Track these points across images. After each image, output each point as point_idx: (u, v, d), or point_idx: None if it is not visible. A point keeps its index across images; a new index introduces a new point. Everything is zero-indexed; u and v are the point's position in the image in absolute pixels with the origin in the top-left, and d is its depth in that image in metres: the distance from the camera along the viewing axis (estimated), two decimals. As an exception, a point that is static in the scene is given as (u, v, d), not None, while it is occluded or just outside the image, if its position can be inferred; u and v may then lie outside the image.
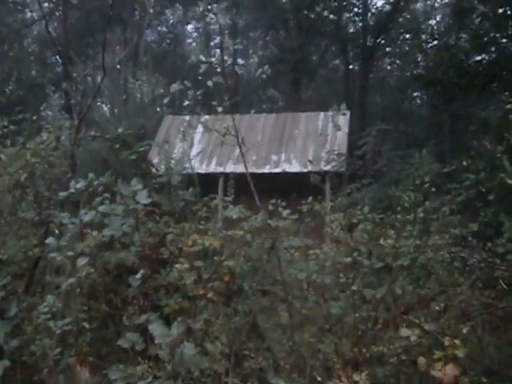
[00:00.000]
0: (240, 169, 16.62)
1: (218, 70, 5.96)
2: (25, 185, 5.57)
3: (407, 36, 31.70)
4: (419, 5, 33.17)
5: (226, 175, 17.57)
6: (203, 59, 5.63)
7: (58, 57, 29.23)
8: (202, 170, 18.61)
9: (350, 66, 33.68)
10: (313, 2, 28.40)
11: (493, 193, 6.85)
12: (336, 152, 18.00)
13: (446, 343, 4.54)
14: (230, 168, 18.33)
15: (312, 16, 29.83)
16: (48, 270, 5.43)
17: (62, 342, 4.36)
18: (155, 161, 10.52)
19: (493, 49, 16.88)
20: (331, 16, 31.54)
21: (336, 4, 30.53)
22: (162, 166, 6.42)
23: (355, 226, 7.48)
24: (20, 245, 5.31)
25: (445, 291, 5.77)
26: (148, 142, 7.09)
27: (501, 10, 18.58)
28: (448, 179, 10.18)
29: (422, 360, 4.50)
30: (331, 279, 5.91)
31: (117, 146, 6.29)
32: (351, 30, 33.49)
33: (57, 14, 30.87)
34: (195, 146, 18.94)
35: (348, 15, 33.17)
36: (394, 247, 5.36)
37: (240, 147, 5.47)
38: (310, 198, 7.35)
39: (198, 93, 5.55)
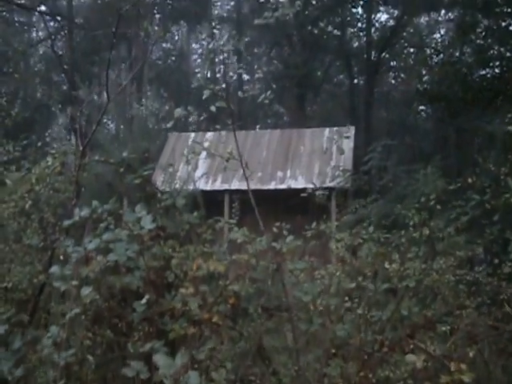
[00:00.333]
0: (245, 186, 16.59)
1: (220, 84, 6.00)
2: (30, 212, 5.60)
3: (411, 50, 31.80)
4: (423, 19, 33.31)
5: (231, 192, 17.61)
6: (205, 83, 5.63)
7: (63, 75, 29.45)
8: (208, 187, 18.64)
9: (355, 81, 33.77)
10: (316, 18, 28.54)
11: (498, 212, 6.84)
12: (341, 168, 17.99)
13: (453, 368, 4.51)
14: (235, 185, 18.34)
15: (316, 31, 30.02)
16: (53, 296, 5.44)
17: (66, 371, 4.36)
18: (161, 179, 10.58)
19: (497, 63, 16.92)
20: (335, 31, 31.71)
21: (340, 19, 30.66)
22: (167, 189, 6.42)
23: (360, 246, 7.48)
24: (25, 271, 5.33)
25: (451, 313, 5.74)
26: (152, 166, 7.11)
27: (504, 24, 18.68)
28: (454, 196, 10.18)
29: (428, 385, 4.48)
30: (337, 301, 5.90)
31: (121, 169, 6.32)
32: (355, 45, 33.64)
33: (62, 33, 31.11)
34: (200, 165, 18.96)
35: (352, 30, 33.32)
36: (398, 271, 5.34)
37: (244, 171, 5.48)
38: (315, 224, 7.33)
39: (202, 118, 5.57)
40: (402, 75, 34.50)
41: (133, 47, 28.26)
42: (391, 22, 31.41)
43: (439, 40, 28.52)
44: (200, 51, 40.77)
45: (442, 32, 31.34)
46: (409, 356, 4.55)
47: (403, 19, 29.36)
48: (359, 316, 5.47)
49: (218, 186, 19.07)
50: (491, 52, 17.63)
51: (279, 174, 19.72)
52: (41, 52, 33.64)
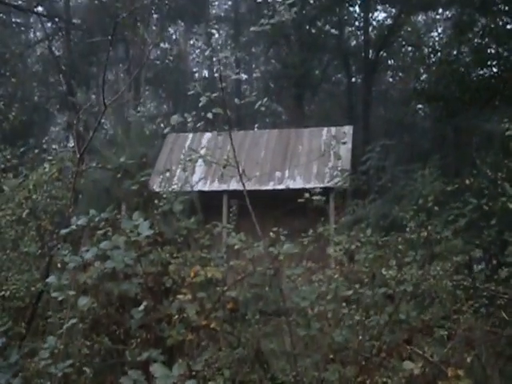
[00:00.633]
0: (244, 181, 16.56)
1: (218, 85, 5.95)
2: (27, 220, 5.60)
3: (409, 49, 31.80)
4: (420, 18, 33.30)
5: (229, 193, 17.58)
6: (202, 90, 5.61)
7: (61, 76, 29.41)
8: (206, 187, 18.62)
9: (353, 80, 33.75)
10: (314, 17, 28.52)
11: (495, 217, 6.86)
12: (340, 168, 17.97)
13: (450, 374, 4.52)
14: (233, 186, 18.31)
15: (314, 31, 29.99)
16: (51, 303, 5.45)
17: (64, 379, 4.36)
18: (159, 180, 10.53)
19: (494, 63, 16.92)
20: (333, 30, 31.68)
21: (337, 18, 30.63)
22: (165, 191, 6.43)
23: (358, 249, 7.48)
24: (23, 279, 5.33)
25: (448, 317, 5.76)
26: (149, 172, 7.12)
27: (501, 23, 18.69)
28: (451, 197, 10.18)
29: (425, 392, 4.50)
30: (334, 306, 5.91)
31: (119, 175, 6.33)
32: (353, 44, 33.64)
33: (60, 34, 31.06)
34: (198, 166, 18.88)
35: (349, 29, 33.31)
36: (396, 277, 5.35)
37: (241, 178, 5.49)
38: (313, 227, 7.33)
39: (199, 123, 5.57)
40: (400, 74, 34.50)
41: (130, 48, 28.21)
42: (389, 21, 31.39)
43: (437, 39, 28.52)
44: (198, 51, 40.77)
45: (440, 30, 31.32)
46: (406, 363, 4.57)
47: (400, 18, 29.33)
48: (357, 322, 5.48)
49: (216, 186, 19.03)
50: (489, 51, 17.64)
51: (277, 174, 19.68)
52: (38, 53, 33.59)
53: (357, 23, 32.41)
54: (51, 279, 4.19)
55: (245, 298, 6.24)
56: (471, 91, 16.32)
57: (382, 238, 7.58)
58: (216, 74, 35.13)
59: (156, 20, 32.03)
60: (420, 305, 6.27)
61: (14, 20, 30.95)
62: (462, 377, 4.48)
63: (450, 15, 27.69)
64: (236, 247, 5.87)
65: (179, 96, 33.36)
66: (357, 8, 30.79)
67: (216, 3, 39.76)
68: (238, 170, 5.45)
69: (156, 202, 6.27)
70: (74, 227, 4.61)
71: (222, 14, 38.65)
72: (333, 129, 20.98)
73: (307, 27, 29.16)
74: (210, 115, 5.26)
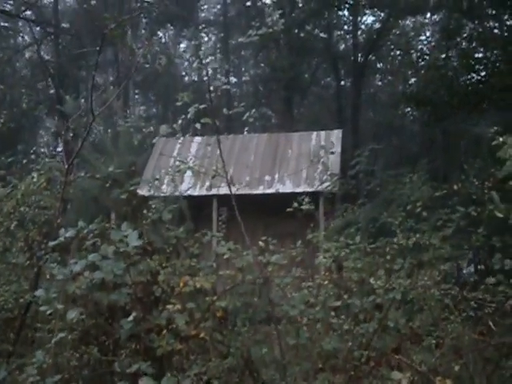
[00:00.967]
0: (233, 191, 16.57)
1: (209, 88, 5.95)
2: (15, 232, 5.58)
3: (398, 52, 31.93)
4: (409, 21, 33.44)
5: (219, 197, 17.57)
6: (190, 101, 5.62)
7: (50, 80, 29.31)
8: (196, 192, 18.60)
9: (342, 83, 33.86)
10: (303, 21, 28.60)
11: (482, 225, 6.91)
12: (329, 172, 18.00)
13: (438, 383, 4.55)
14: (223, 190, 18.28)
15: (302, 34, 30.08)
16: (39, 314, 5.43)
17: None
18: (147, 187, 10.51)
19: (482, 67, 17.01)
20: (322, 34, 31.79)
21: (326, 22, 30.73)
22: (154, 205, 6.43)
23: (347, 255, 7.51)
24: (11, 290, 5.31)
25: (436, 325, 5.79)
26: (138, 180, 7.12)
27: (488, 26, 18.80)
28: (440, 202, 10.23)
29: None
30: (323, 315, 5.93)
31: (107, 184, 6.32)
32: (342, 48, 33.78)
33: (48, 38, 30.96)
34: (186, 176, 18.80)
35: (338, 33, 33.45)
36: (384, 287, 5.38)
37: (229, 187, 5.50)
38: (299, 242, 7.34)
39: (189, 134, 5.58)
40: (389, 77, 34.65)
41: (119, 52, 28.19)
42: (377, 25, 31.51)
43: (425, 43, 28.65)
44: (188, 55, 40.73)
45: (428, 34, 31.48)
46: (395, 373, 4.58)
47: (389, 22, 29.47)
48: (345, 331, 5.50)
49: (206, 191, 19.01)
50: (476, 56, 17.74)
51: (267, 178, 19.71)
52: (27, 57, 33.47)
53: (346, 27, 32.58)
54: (39, 292, 4.19)
55: (234, 306, 6.25)
56: (459, 96, 16.39)
57: (370, 245, 7.62)
58: (205, 78, 35.06)
59: (145, 24, 32.01)
60: (408, 312, 6.31)
61: (1, 24, 30.81)
62: (450, 386, 4.51)
63: (437, 19, 27.87)
64: (225, 256, 5.88)
65: (168, 99, 33.34)
66: (345, 12, 30.88)
67: (205, 7, 39.77)
68: (227, 180, 5.46)
69: (145, 212, 6.27)
70: (62, 239, 4.61)
71: (212, 18, 38.69)
72: (322, 133, 21.03)
73: (296, 31, 29.25)
74: (198, 125, 5.27)
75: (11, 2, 29.99)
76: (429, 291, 5.68)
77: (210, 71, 5.46)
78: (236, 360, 5.65)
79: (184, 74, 40.04)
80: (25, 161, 6.88)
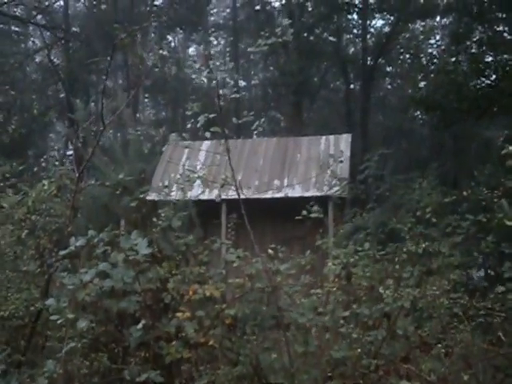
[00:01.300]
0: (243, 196, 16.55)
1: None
2: (25, 240, 5.62)
3: (407, 56, 31.87)
4: (418, 24, 33.37)
5: (228, 202, 17.58)
6: (200, 110, 5.66)
7: (60, 85, 29.44)
8: (205, 196, 18.62)
9: (351, 87, 33.81)
10: (312, 25, 28.60)
11: (491, 232, 6.90)
12: (338, 177, 17.98)
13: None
14: (232, 195, 18.29)
15: (312, 38, 30.07)
16: (50, 322, 5.46)
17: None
18: (155, 194, 10.50)
19: (491, 71, 16.95)
20: (331, 38, 31.76)
21: (335, 26, 30.71)
22: (163, 214, 6.46)
23: (356, 262, 7.50)
24: (22, 298, 5.35)
25: (446, 333, 5.78)
26: (147, 188, 7.15)
27: (498, 30, 18.73)
28: (449, 208, 10.21)
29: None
30: (333, 322, 5.93)
31: (118, 192, 6.35)
32: (351, 51, 33.70)
33: (59, 43, 31.12)
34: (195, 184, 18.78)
35: (348, 36, 33.40)
36: (392, 296, 5.38)
37: (238, 195, 5.52)
38: (308, 252, 7.35)
39: (202, 147, 5.60)
40: (399, 81, 34.57)
41: (129, 57, 28.29)
42: (387, 28, 31.46)
43: (435, 46, 28.59)
44: (197, 59, 40.86)
45: (438, 38, 31.41)
46: (403, 383, 4.58)
47: (398, 25, 29.42)
48: (354, 339, 5.50)
49: (215, 195, 19.00)
50: (486, 60, 17.67)
51: (276, 182, 19.70)
52: (37, 62, 33.66)
53: (355, 30, 32.49)
54: (50, 301, 4.21)
55: (243, 314, 6.26)
56: (469, 100, 16.32)
57: (379, 252, 7.61)
58: (214, 82, 35.09)
59: (155, 28, 32.12)
60: (417, 319, 6.30)
61: (13, 29, 31.04)
62: (460, 396, 4.50)
63: (447, 23, 27.80)
64: (234, 265, 5.90)
65: (178, 103, 33.45)
66: (355, 15, 30.88)
67: (215, 11, 39.88)
68: (236, 188, 5.48)
69: (155, 220, 6.30)
70: (72, 248, 4.64)
71: (221, 22, 38.79)
72: (331, 137, 20.98)
73: (305, 35, 29.25)
74: (207, 134, 5.30)
75: (22, 7, 30.20)
76: (438, 300, 5.67)
77: (219, 77, 5.47)
78: (245, 367, 5.65)
79: (193, 77, 40.13)
80: (35, 168, 6.94)
